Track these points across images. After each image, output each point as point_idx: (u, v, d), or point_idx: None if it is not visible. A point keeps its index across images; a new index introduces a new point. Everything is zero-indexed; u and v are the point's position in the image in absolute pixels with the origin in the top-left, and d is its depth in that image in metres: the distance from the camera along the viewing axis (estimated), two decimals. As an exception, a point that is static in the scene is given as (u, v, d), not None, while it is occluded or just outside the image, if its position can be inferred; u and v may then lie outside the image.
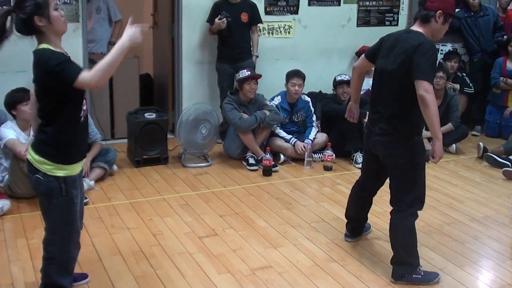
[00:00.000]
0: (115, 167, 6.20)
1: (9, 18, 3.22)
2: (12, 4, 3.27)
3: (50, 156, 3.35)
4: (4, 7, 5.85)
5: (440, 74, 7.16)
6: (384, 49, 4.15)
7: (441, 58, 8.29)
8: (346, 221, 4.81)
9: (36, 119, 3.50)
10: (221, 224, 5.05)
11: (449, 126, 7.25)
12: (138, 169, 6.37)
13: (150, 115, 6.52)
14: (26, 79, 5.46)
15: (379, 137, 4.12)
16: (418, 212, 4.16)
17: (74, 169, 3.48)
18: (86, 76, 3.14)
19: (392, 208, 4.19)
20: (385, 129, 4.07)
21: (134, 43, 3.18)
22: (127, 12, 8.80)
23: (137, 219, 5.13)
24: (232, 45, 7.11)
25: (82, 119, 3.45)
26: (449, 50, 8.51)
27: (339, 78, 7.08)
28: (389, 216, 4.21)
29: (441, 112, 7.13)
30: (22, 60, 5.42)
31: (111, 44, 7.34)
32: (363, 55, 4.42)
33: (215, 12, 7.05)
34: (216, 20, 6.94)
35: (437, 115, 3.80)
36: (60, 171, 3.38)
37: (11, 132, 5.36)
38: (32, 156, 3.38)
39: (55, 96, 3.27)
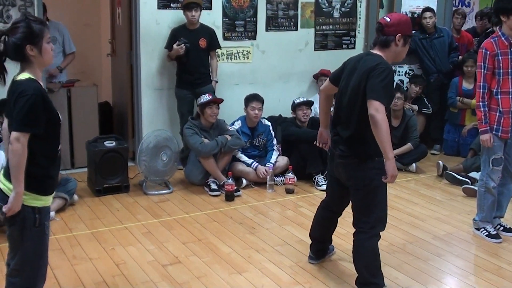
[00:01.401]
0: (75, 197, 6.11)
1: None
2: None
3: (27, 186, 3.24)
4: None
5: (398, 94, 7.26)
6: (346, 72, 4.18)
7: (406, 80, 8.45)
8: (310, 243, 4.81)
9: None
10: (184, 252, 5.00)
11: (408, 146, 7.37)
12: (99, 198, 6.28)
13: (110, 143, 6.46)
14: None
15: (340, 160, 4.15)
16: (381, 232, 4.17)
17: (49, 200, 3.43)
18: (13, 138, 3.14)
19: (355, 229, 4.21)
20: (345, 151, 4.09)
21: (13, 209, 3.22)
22: (85, 39, 8.84)
23: (99, 249, 5.05)
24: (191, 70, 7.11)
25: (59, 153, 3.42)
26: (416, 74, 8.69)
27: (298, 100, 7.14)
28: (352, 238, 4.22)
29: (400, 133, 7.32)
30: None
31: (58, 68, 7.29)
32: (328, 78, 4.44)
33: (173, 38, 7.04)
34: (175, 46, 6.93)
35: (387, 134, 3.79)
36: (37, 201, 3.31)
37: None
38: (6, 185, 3.28)
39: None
